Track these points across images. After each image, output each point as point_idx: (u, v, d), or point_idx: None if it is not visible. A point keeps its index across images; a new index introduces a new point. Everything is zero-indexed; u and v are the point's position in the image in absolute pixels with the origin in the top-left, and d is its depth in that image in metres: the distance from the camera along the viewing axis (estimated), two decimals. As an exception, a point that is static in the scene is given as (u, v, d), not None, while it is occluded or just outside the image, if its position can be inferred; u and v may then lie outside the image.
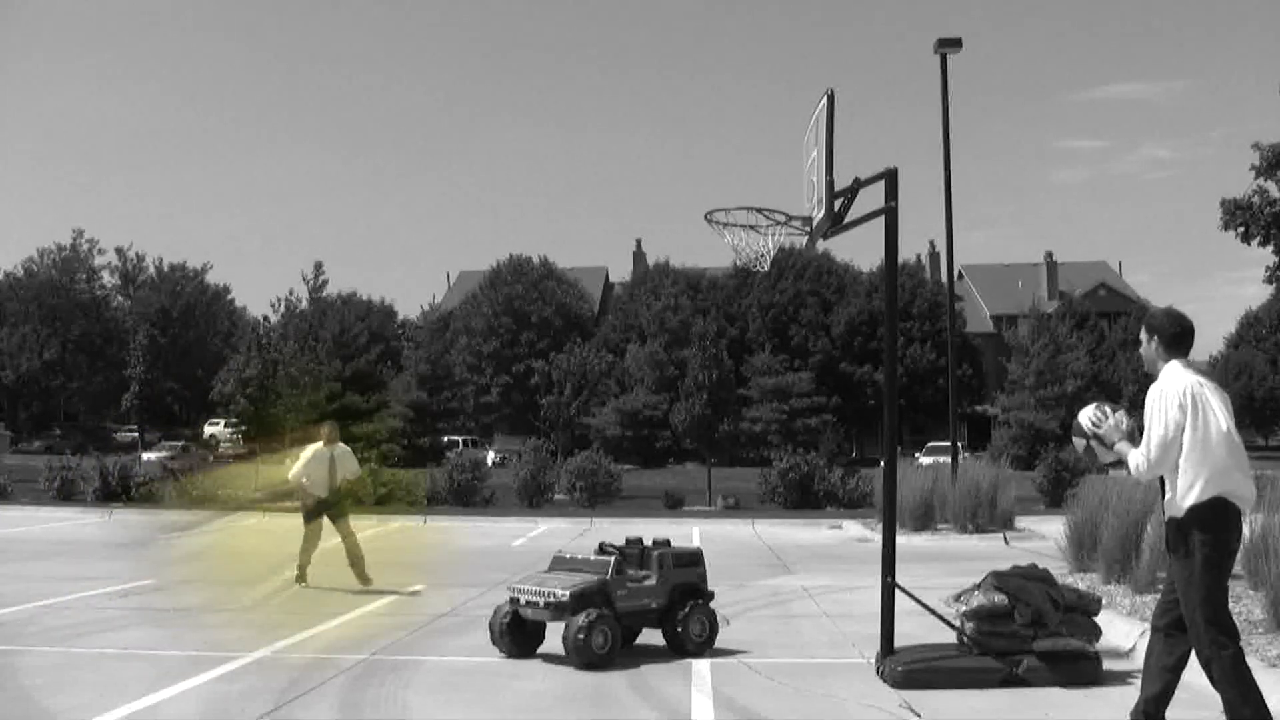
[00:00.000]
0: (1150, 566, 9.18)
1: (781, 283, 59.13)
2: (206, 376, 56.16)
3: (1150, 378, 5.11)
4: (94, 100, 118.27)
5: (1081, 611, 6.79)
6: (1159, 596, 5.32)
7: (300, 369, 36.84)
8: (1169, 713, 5.04)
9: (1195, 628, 4.81)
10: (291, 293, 53.14)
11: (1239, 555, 8.70)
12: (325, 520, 11.39)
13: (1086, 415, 5.29)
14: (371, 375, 52.30)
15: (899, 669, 6.40)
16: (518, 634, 7.20)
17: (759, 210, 7.31)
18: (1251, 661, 6.37)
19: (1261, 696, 4.72)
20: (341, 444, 11.70)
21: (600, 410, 53.46)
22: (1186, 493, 4.85)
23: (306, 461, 11.40)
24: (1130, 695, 5.31)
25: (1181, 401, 4.82)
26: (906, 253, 64.10)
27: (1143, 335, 5.15)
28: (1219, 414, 4.84)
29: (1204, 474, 4.80)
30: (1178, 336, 5.03)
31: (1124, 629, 7.71)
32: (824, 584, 11.38)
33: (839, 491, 23.70)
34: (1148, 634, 6.62)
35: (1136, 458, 4.94)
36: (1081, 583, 9.70)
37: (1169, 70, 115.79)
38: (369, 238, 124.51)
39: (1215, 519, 4.80)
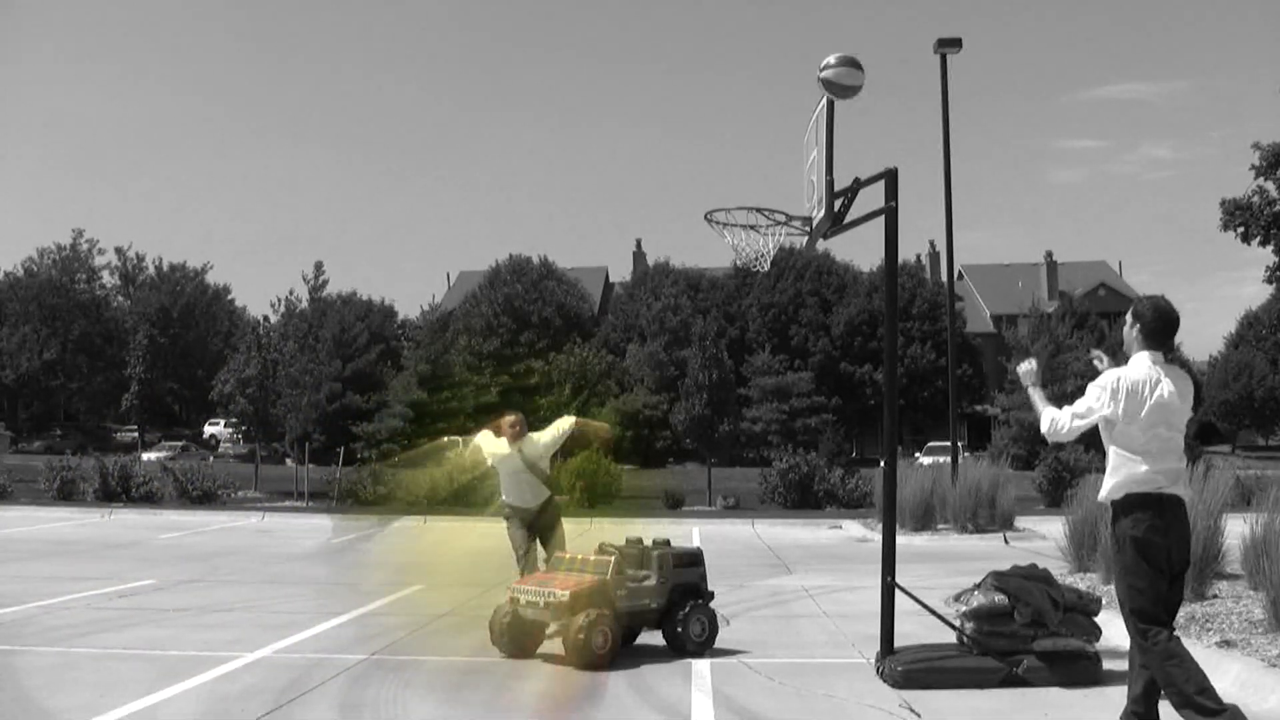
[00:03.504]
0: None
1: (781, 283, 59.08)
2: (206, 376, 56.12)
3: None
4: (94, 100, 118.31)
5: (1081, 611, 6.79)
6: None
7: (300, 369, 36.81)
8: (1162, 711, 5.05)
9: (1127, 621, 4.96)
10: (291, 293, 53.01)
11: (1239, 555, 8.74)
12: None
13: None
14: (371, 375, 52.32)
15: (899, 669, 6.40)
16: (518, 634, 7.19)
17: (759, 210, 7.31)
18: (1251, 661, 6.39)
19: (1202, 671, 4.77)
20: (532, 435, 8.93)
21: (600, 410, 53.42)
22: (1114, 484, 4.97)
23: (489, 456, 8.97)
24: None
25: (1114, 389, 4.98)
26: (906, 253, 64.14)
27: (1128, 318, 5.25)
28: (1161, 408, 4.93)
29: (1130, 467, 4.91)
30: (1157, 330, 5.10)
31: (1124, 629, 7.69)
32: (824, 584, 11.37)
33: (839, 491, 23.71)
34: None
35: (1045, 418, 5.23)
36: (1081, 583, 9.69)
37: (1169, 70, 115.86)
38: (369, 238, 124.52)
39: (1144, 509, 4.88)
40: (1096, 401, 5.01)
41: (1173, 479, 4.93)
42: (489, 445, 8.94)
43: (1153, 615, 4.85)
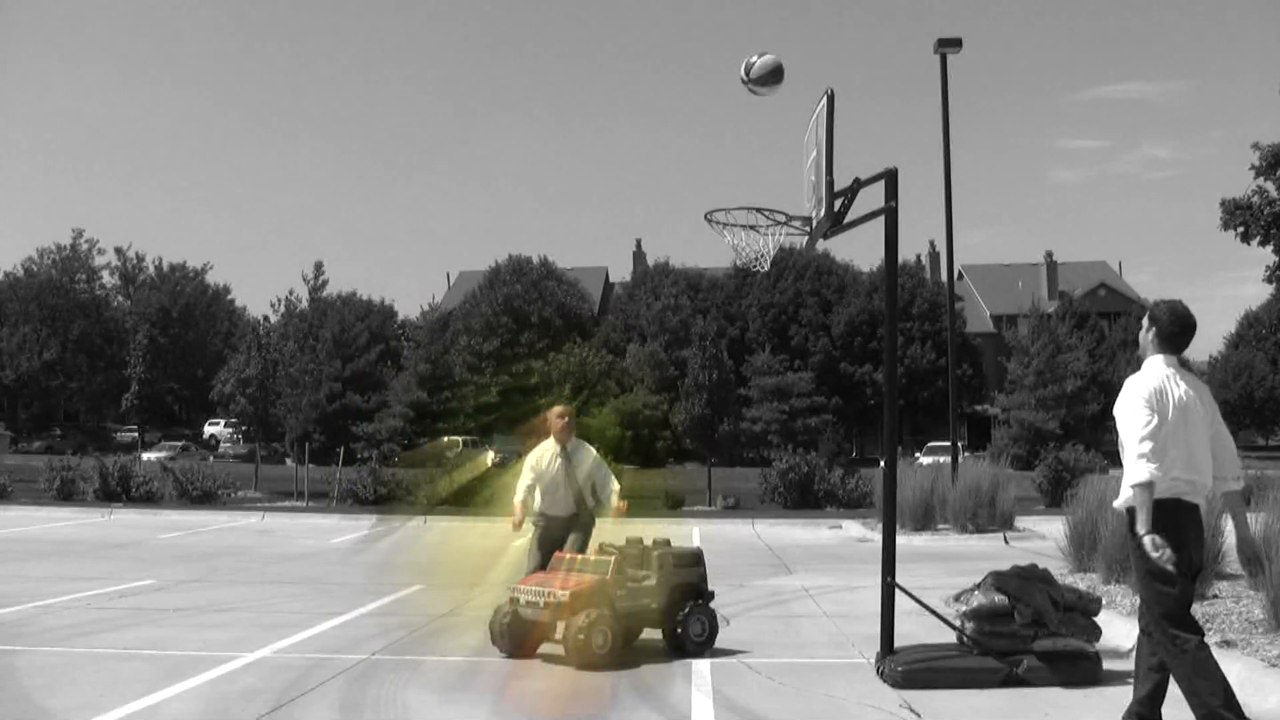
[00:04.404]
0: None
1: (781, 283, 59.11)
2: (206, 376, 56.19)
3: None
4: (94, 100, 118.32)
5: (1081, 611, 6.79)
6: None
7: (300, 369, 36.81)
8: (1166, 711, 5.04)
9: (1154, 626, 4.84)
10: (291, 293, 53.03)
11: (1237, 555, 8.73)
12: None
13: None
14: (371, 375, 52.32)
15: (899, 669, 6.40)
16: (518, 634, 7.19)
17: (759, 210, 7.31)
18: (1251, 661, 6.39)
19: (1228, 684, 4.71)
20: (585, 444, 8.33)
21: (600, 410, 53.40)
22: (1129, 489, 4.86)
23: (531, 475, 8.13)
24: (1130, 695, 5.32)
25: (1147, 397, 4.85)
26: (906, 253, 64.16)
27: (1144, 323, 5.16)
28: (1182, 411, 4.85)
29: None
30: (1174, 334, 5.04)
31: (1124, 629, 7.70)
32: (824, 584, 11.37)
33: (839, 491, 23.69)
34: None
35: (1136, 476, 4.74)
36: (1081, 583, 9.70)
37: (1169, 70, 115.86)
38: (369, 238, 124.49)
39: (1160, 517, 4.77)
40: (1147, 411, 4.80)
41: (1192, 489, 4.84)
42: (534, 459, 8.15)
43: (1182, 619, 4.76)
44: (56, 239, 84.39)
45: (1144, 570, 4.88)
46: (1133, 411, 4.87)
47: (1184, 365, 5.14)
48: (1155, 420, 4.79)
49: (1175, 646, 4.74)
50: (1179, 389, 4.91)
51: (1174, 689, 5.03)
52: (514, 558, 11.22)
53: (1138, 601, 8.65)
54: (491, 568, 12.19)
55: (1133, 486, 4.75)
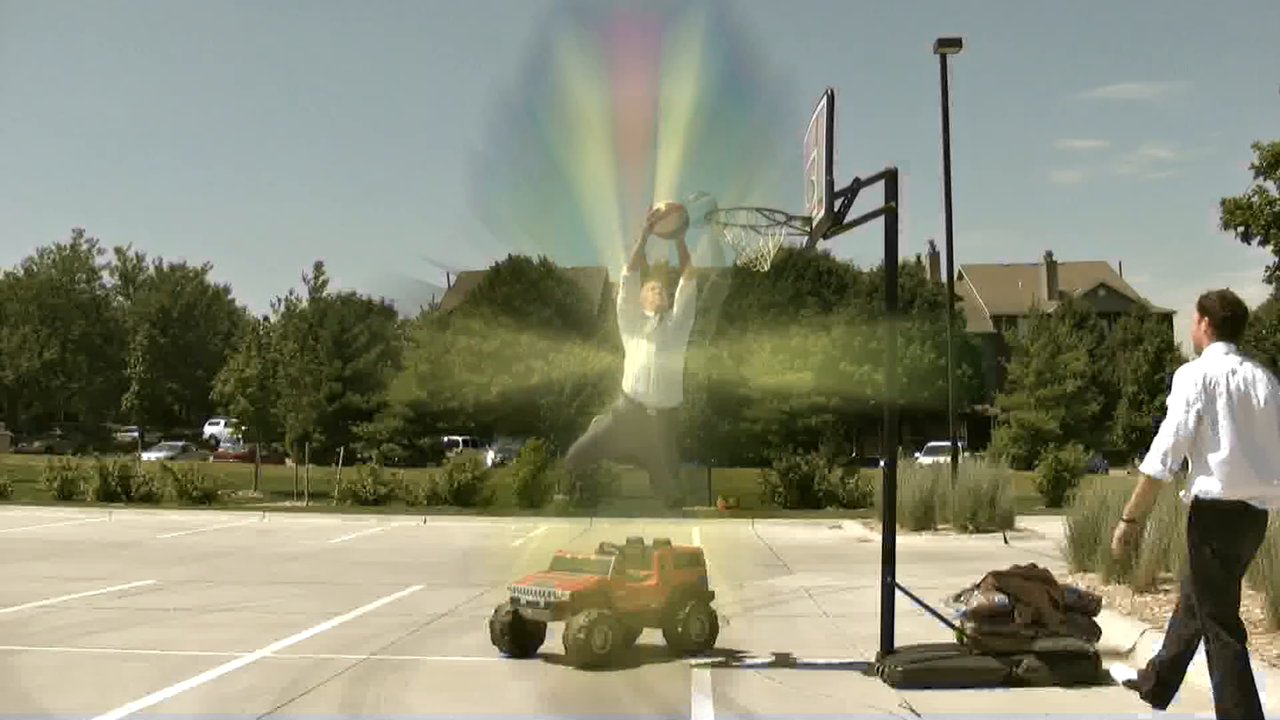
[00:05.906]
0: (1150, 566, 9.18)
1: (781, 283, 59.13)
2: (206, 376, 56.14)
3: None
4: (94, 100, 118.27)
5: (1081, 611, 6.79)
6: (1164, 593, 5.31)
7: (300, 369, 36.82)
8: (1171, 709, 5.03)
9: (1202, 620, 4.78)
10: (291, 293, 52.94)
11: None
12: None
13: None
14: (371, 375, 52.36)
15: (899, 669, 6.40)
16: (518, 634, 7.19)
17: (759, 210, 7.31)
18: (1251, 661, 6.38)
19: (1259, 703, 4.65)
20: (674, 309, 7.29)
21: (600, 410, 53.33)
22: (1194, 485, 4.78)
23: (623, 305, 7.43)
24: (1129, 695, 5.33)
25: (1200, 386, 4.71)
26: (906, 253, 64.18)
27: (1194, 316, 5.03)
28: (1248, 405, 4.68)
29: (1213, 470, 4.68)
30: (1227, 320, 4.89)
31: (1124, 629, 7.71)
32: (824, 584, 11.37)
33: (839, 491, 23.70)
34: (1147, 634, 6.64)
35: (1147, 465, 4.77)
36: (1081, 583, 9.69)
37: (1169, 70, 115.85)
38: (369, 238, 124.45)
39: (1222, 520, 4.69)
40: (1183, 409, 4.67)
41: (1263, 496, 4.65)
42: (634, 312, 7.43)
43: (1229, 621, 4.70)
44: (56, 239, 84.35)
45: (1195, 571, 4.81)
46: (1172, 403, 4.78)
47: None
48: (1191, 406, 4.69)
49: (1213, 644, 4.70)
50: (1236, 377, 4.72)
51: (1180, 693, 5.03)
52: (514, 557, 11.19)
53: (1139, 601, 8.67)
54: (494, 568, 12.19)
55: (1141, 473, 4.78)
